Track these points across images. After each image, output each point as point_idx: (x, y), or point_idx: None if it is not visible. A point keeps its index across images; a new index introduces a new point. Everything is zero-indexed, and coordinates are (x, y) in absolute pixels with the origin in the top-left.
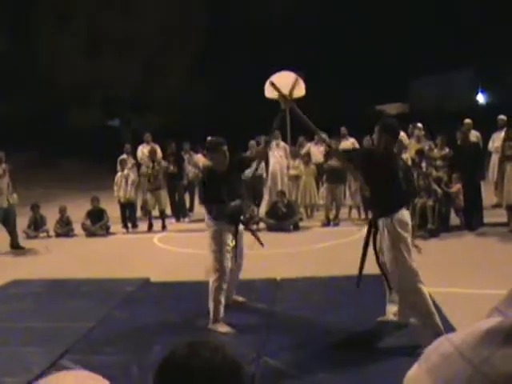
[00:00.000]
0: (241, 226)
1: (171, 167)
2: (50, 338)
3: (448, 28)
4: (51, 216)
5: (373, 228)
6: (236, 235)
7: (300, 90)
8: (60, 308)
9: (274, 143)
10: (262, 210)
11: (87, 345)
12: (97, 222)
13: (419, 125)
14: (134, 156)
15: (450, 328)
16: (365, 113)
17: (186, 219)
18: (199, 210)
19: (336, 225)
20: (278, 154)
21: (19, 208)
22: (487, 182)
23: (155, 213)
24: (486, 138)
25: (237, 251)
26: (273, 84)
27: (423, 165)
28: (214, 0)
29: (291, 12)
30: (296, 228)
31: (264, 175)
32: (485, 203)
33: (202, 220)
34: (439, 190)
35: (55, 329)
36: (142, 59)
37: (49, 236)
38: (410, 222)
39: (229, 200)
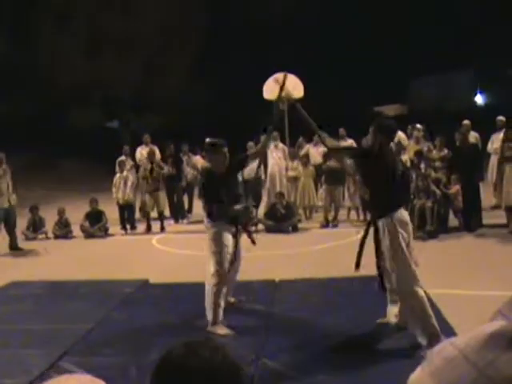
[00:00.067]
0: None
1: (170, 169)
2: (49, 340)
3: (448, 28)
4: (50, 218)
5: (372, 228)
6: (236, 236)
7: (299, 92)
8: (59, 309)
9: (272, 145)
10: (261, 211)
11: (86, 346)
12: (95, 224)
13: (418, 126)
14: (133, 157)
15: (448, 329)
16: (363, 113)
17: (185, 221)
18: (198, 211)
19: (335, 226)
20: (276, 156)
21: (18, 209)
22: (486, 183)
23: (154, 214)
24: (485, 139)
25: (236, 252)
26: (282, 84)
27: (422, 166)
28: (214, 0)
29: (291, 12)
30: (295, 229)
31: (263, 177)
32: (484, 204)
33: (200, 221)
34: (438, 192)
35: (54, 330)
36: (142, 59)
37: (47, 238)
38: (409, 223)
39: (228, 201)
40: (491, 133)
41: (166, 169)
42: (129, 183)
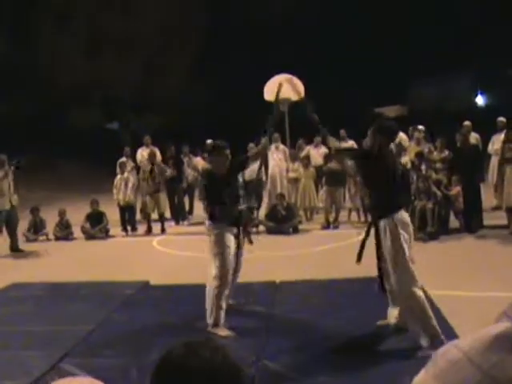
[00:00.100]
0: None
1: (170, 170)
2: (49, 341)
3: (448, 28)
4: (51, 219)
5: (374, 229)
6: (238, 237)
7: (299, 94)
8: (60, 311)
9: (273, 146)
10: (262, 212)
11: (87, 348)
12: (96, 225)
13: (420, 127)
14: (134, 159)
15: (449, 330)
16: (364, 114)
17: (186, 222)
18: (198, 212)
19: (335, 228)
20: (277, 157)
21: (19, 211)
22: (487, 185)
23: (154, 216)
24: (486, 140)
25: (238, 254)
26: (278, 90)
27: (423, 167)
28: (214, 0)
29: (291, 12)
30: (295, 231)
31: (263, 178)
32: (484, 205)
33: (201, 223)
34: (439, 193)
35: (55, 332)
36: (142, 59)
37: (48, 239)
38: (410, 224)
39: (230, 202)
40: (492, 134)
41: (169, 171)
42: (129, 185)
